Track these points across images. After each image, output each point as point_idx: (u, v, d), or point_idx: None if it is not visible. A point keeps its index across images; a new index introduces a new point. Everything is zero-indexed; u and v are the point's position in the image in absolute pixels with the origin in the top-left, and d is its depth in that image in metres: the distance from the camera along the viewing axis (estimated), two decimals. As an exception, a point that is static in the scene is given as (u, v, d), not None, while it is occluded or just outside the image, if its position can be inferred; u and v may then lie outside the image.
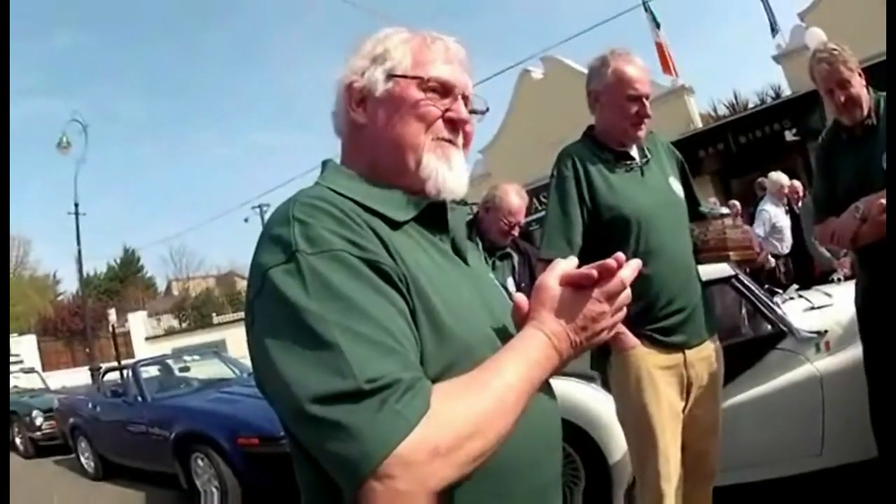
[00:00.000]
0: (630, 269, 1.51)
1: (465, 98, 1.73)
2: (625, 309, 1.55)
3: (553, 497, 1.61)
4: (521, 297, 1.56)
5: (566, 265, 1.55)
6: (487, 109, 1.82)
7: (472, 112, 1.76)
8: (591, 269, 1.48)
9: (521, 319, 1.53)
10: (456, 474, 1.27)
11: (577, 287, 1.50)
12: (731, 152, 20.42)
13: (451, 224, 1.70)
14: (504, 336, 1.55)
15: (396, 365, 1.28)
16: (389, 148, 1.65)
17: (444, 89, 1.67)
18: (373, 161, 1.67)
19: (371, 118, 1.68)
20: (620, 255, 1.49)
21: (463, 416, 1.29)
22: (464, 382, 1.35)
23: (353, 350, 1.26)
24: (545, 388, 1.55)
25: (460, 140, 1.70)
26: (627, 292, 1.52)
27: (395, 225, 1.53)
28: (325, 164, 1.75)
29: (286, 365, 1.29)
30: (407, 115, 1.64)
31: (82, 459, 12.24)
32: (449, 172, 1.64)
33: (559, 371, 1.53)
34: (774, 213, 11.36)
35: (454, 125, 1.68)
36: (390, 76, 1.67)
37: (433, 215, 1.64)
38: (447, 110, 1.67)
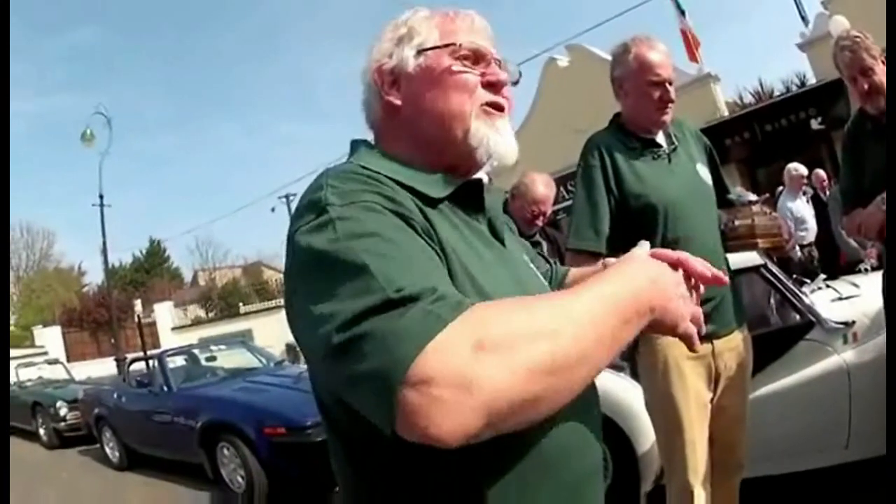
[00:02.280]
0: (711, 273, 1.49)
1: (499, 63, 1.69)
2: (699, 310, 1.49)
3: (597, 483, 1.56)
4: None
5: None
6: (521, 75, 1.77)
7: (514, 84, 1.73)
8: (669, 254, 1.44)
9: None
10: (514, 385, 1.08)
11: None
12: (756, 141, 20.25)
13: (488, 205, 1.65)
14: None
15: (431, 281, 1.19)
16: (433, 122, 1.61)
17: (477, 56, 1.65)
18: (414, 141, 1.63)
19: (406, 97, 1.65)
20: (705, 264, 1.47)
21: (516, 318, 1.14)
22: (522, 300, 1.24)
23: (381, 268, 1.18)
24: None
25: (504, 103, 1.66)
26: (699, 295, 1.49)
27: (430, 203, 1.48)
28: (354, 144, 1.70)
29: (316, 306, 1.20)
30: (446, 85, 1.61)
31: (107, 449, 12.30)
32: (500, 138, 1.61)
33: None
34: (795, 207, 11.41)
35: (494, 88, 1.64)
36: (420, 51, 1.64)
37: (470, 195, 1.60)
38: (483, 74, 1.64)
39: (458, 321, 1.09)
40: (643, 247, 1.50)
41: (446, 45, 1.63)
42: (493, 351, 1.07)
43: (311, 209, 1.34)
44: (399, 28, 1.70)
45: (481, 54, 1.65)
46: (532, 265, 1.81)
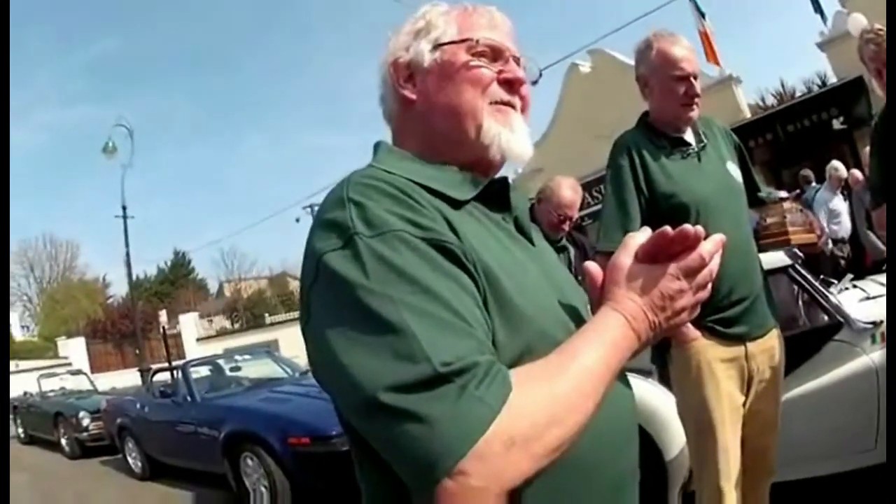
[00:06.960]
0: (712, 243, 1.41)
1: (517, 61, 1.66)
2: (709, 287, 1.44)
3: (630, 491, 1.52)
4: (594, 267, 1.49)
5: (639, 238, 1.45)
6: (540, 74, 1.75)
7: (533, 83, 1.70)
8: (665, 229, 1.38)
9: (596, 293, 1.46)
10: (533, 467, 1.18)
11: (653, 261, 1.41)
12: (780, 142, 20.24)
13: (514, 203, 1.62)
14: (575, 316, 1.49)
15: (471, 347, 1.20)
16: (445, 117, 1.59)
17: (494, 52, 1.62)
18: (428, 136, 1.61)
19: (421, 91, 1.63)
20: (700, 228, 1.38)
21: (539, 402, 1.19)
22: (539, 367, 1.26)
23: (423, 331, 1.17)
24: (620, 375, 1.45)
25: (518, 103, 1.64)
26: (711, 268, 1.42)
27: (456, 204, 1.45)
28: (377, 146, 1.68)
29: (349, 353, 1.21)
30: (460, 80, 1.59)
31: (129, 459, 12.34)
32: (512, 135, 1.58)
33: (638, 353, 1.44)
34: (832, 200, 11.55)
35: (511, 86, 1.62)
36: (437, 46, 1.62)
37: (495, 194, 1.57)
38: (501, 71, 1.61)
39: (496, 422, 1.14)
40: (642, 233, 1.47)
41: (463, 41, 1.61)
42: (522, 446, 1.15)
43: (335, 231, 1.32)
44: (417, 22, 1.68)
45: (499, 51, 1.63)
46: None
